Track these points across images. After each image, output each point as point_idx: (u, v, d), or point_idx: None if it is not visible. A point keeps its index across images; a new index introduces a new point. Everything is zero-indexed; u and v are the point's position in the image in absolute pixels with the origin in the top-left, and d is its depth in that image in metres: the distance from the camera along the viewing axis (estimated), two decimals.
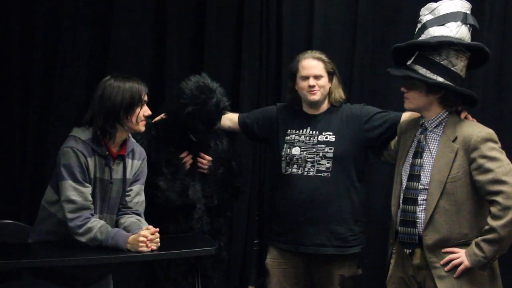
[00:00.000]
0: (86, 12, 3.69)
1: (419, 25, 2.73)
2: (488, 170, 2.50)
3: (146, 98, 2.58)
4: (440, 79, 2.60)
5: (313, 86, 2.99)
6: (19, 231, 2.91)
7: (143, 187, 2.71)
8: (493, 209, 2.48)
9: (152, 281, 3.12)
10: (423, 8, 2.76)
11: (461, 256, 2.54)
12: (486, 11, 3.61)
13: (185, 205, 2.94)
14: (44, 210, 2.58)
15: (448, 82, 2.60)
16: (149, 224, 2.60)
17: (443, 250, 2.58)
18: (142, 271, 3.33)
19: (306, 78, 3.00)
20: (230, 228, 3.56)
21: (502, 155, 2.54)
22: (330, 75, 3.04)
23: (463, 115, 2.69)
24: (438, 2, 2.73)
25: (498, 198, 2.46)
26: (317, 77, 3.00)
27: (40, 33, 3.63)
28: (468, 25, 2.68)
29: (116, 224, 2.62)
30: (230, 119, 3.25)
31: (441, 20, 2.66)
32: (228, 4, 3.92)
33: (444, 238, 2.58)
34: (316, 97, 3.01)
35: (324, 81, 3.02)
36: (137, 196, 2.67)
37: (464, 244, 2.57)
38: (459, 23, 2.66)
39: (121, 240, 2.45)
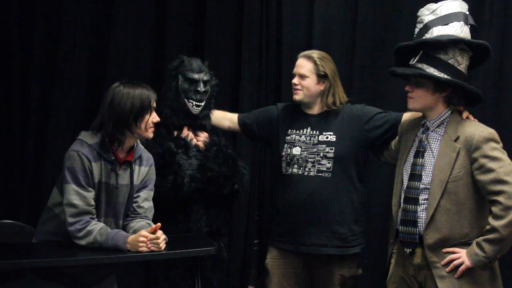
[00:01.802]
0: (86, 12, 3.69)
1: (420, 25, 2.73)
2: (490, 170, 2.50)
3: (155, 104, 2.59)
4: (447, 77, 2.61)
5: (296, 85, 3.01)
6: (19, 231, 2.92)
7: (151, 193, 2.71)
8: (495, 209, 2.48)
9: (152, 281, 3.12)
10: (422, 9, 2.77)
11: (462, 256, 2.54)
12: (486, 11, 3.61)
13: (201, 181, 2.98)
14: (49, 211, 2.58)
15: (459, 80, 2.61)
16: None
17: (444, 250, 2.58)
18: (142, 271, 3.33)
19: (294, 75, 3.03)
20: (230, 228, 3.56)
21: (504, 155, 2.54)
22: (321, 77, 3.01)
23: (464, 114, 2.70)
24: (439, 3, 2.74)
25: (500, 198, 2.47)
26: (302, 77, 3.00)
27: (40, 33, 3.63)
28: (469, 25, 2.69)
29: (125, 229, 2.61)
30: (229, 119, 3.25)
31: (445, 20, 2.66)
32: (228, 4, 3.92)
33: (445, 237, 2.58)
34: (297, 96, 3.02)
35: (309, 82, 3.00)
36: (145, 201, 2.67)
37: (465, 244, 2.58)
38: (462, 23, 2.67)
39: (120, 241, 2.45)
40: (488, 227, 2.50)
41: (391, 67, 2.82)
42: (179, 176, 2.89)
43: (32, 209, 3.48)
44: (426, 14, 2.72)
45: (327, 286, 3.02)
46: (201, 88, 3.03)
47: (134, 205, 2.65)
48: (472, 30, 2.73)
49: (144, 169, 2.67)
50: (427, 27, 2.69)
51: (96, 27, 3.73)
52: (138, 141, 2.67)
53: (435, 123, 2.69)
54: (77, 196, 2.46)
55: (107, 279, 2.69)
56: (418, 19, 2.76)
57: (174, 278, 3.03)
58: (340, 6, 3.87)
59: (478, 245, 2.50)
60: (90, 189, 2.49)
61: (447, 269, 2.56)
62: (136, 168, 2.64)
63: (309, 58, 3.02)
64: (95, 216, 2.51)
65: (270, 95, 3.92)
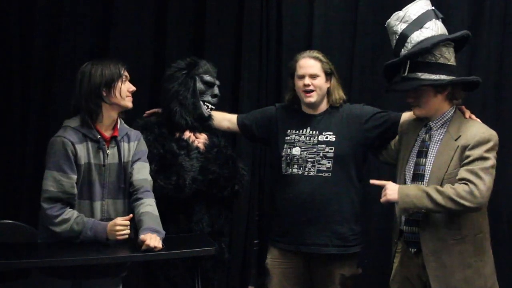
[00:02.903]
0: (86, 12, 3.69)
1: (395, 37, 2.72)
2: (474, 165, 2.52)
3: (126, 73, 2.61)
4: (443, 77, 2.61)
5: (308, 85, 2.98)
6: (19, 231, 2.91)
7: (146, 165, 2.71)
8: (462, 186, 2.50)
9: (152, 281, 3.12)
10: (389, 20, 2.76)
11: (393, 191, 2.59)
12: (486, 11, 3.62)
13: (203, 183, 2.97)
14: None
15: (456, 76, 2.62)
16: None
17: (371, 182, 2.67)
18: (142, 271, 3.33)
19: (302, 77, 3.00)
20: (231, 228, 3.56)
21: (493, 159, 2.55)
22: (328, 75, 3.02)
23: (467, 114, 2.71)
24: (403, 10, 2.73)
25: (472, 186, 2.48)
26: (312, 77, 2.99)
27: (40, 33, 3.63)
28: (440, 19, 2.70)
29: (133, 213, 2.61)
30: (228, 120, 3.25)
31: (418, 24, 2.67)
32: (228, 4, 3.92)
33: (441, 236, 2.59)
34: (312, 99, 3.00)
35: (320, 80, 3.01)
36: (140, 173, 2.66)
37: (461, 242, 2.58)
38: (434, 20, 2.67)
39: (100, 230, 2.46)
40: (441, 188, 2.51)
41: (384, 84, 2.85)
42: (181, 177, 2.89)
43: (32, 209, 3.47)
44: (397, 24, 2.71)
45: (328, 285, 3.02)
46: (218, 92, 3.08)
47: (131, 179, 2.64)
48: (442, 21, 2.73)
49: (133, 144, 2.68)
50: (404, 36, 2.68)
51: (96, 27, 3.73)
52: (122, 121, 2.68)
53: (439, 123, 2.69)
54: (53, 182, 2.47)
55: (110, 279, 2.68)
56: (390, 30, 2.75)
57: (174, 278, 3.03)
58: (340, 6, 3.87)
59: (420, 189, 2.54)
60: (71, 175, 2.49)
61: (382, 200, 2.63)
62: (124, 145, 2.65)
63: (315, 57, 3.02)
64: (68, 207, 2.50)
65: (270, 95, 3.91)
